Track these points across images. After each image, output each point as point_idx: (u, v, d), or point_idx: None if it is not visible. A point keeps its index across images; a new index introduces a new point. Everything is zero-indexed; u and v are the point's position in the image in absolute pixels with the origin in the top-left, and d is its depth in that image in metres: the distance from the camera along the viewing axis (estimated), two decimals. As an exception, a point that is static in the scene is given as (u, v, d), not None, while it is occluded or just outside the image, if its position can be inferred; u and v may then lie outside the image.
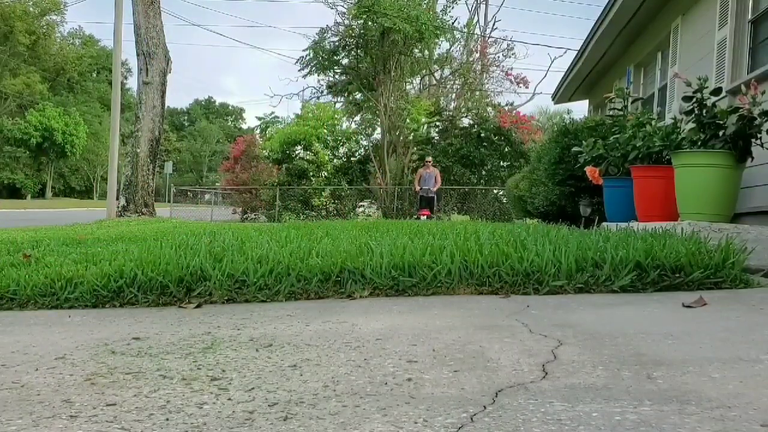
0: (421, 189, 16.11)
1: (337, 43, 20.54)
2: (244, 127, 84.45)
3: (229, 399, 1.37)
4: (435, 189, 16.06)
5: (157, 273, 2.74)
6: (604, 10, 9.37)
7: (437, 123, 21.50)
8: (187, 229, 5.82)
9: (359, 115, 22.07)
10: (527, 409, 1.24)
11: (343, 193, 20.21)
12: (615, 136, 5.82)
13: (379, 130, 20.85)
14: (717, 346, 1.69)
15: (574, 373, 1.47)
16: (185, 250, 3.28)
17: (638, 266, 2.62)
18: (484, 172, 20.63)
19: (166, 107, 12.75)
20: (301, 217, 19.92)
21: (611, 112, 6.77)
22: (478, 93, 21.72)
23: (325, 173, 20.75)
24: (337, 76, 21.58)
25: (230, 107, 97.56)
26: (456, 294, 2.63)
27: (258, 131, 24.76)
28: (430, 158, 16.91)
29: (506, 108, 21.18)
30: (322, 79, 21.67)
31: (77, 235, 5.70)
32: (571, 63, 12.64)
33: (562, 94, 14.60)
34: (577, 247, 2.81)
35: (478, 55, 22.35)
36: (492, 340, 1.82)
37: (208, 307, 2.61)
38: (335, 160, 21.29)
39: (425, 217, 14.80)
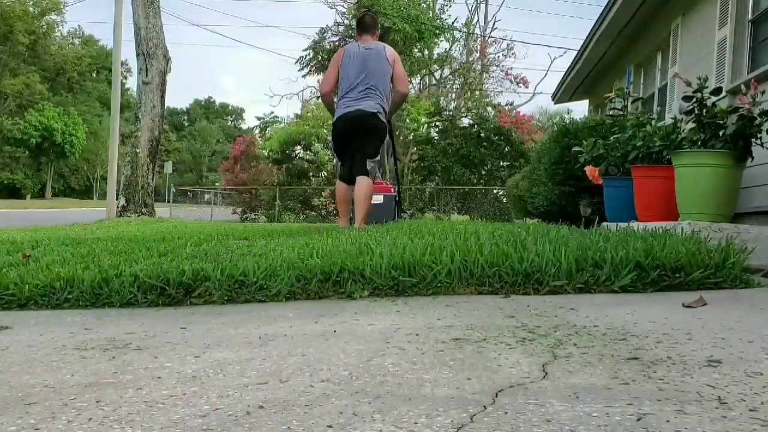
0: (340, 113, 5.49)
1: (337, 43, 20.59)
2: (244, 127, 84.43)
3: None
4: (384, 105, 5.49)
5: (157, 280, 2.74)
6: (604, 10, 9.38)
7: (437, 123, 21.52)
8: (187, 230, 5.82)
9: (359, 115, 22.03)
10: (527, 409, 1.24)
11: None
12: (615, 136, 5.81)
13: (378, 130, 20.81)
14: (717, 345, 1.69)
15: (574, 373, 1.47)
16: (188, 258, 3.28)
17: (638, 266, 2.61)
18: (484, 172, 20.64)
19: (166, 107, 12.75)
20: (301, 217, 19.92)
21: (611, 112, 6.77)
22: (478, 93, 21.74)
23: (325, 173, 20.77)
24: (337, 76, 21.57)
25: (230, 107, 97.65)
26: (456, 294, 2.63)
27: (258, 131, 24.77)
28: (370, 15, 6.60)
29: (506, 108, 21.20)
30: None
31: (77, 235, 5.69)
32: (571, 63, 12.64)
33: (562, 94, 14.60)
34: (577, 247, 2.80)
35: (477, 54, 22.39)
36: (492, 340, 1.82)
37: (209, 306, 2.62)
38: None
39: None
